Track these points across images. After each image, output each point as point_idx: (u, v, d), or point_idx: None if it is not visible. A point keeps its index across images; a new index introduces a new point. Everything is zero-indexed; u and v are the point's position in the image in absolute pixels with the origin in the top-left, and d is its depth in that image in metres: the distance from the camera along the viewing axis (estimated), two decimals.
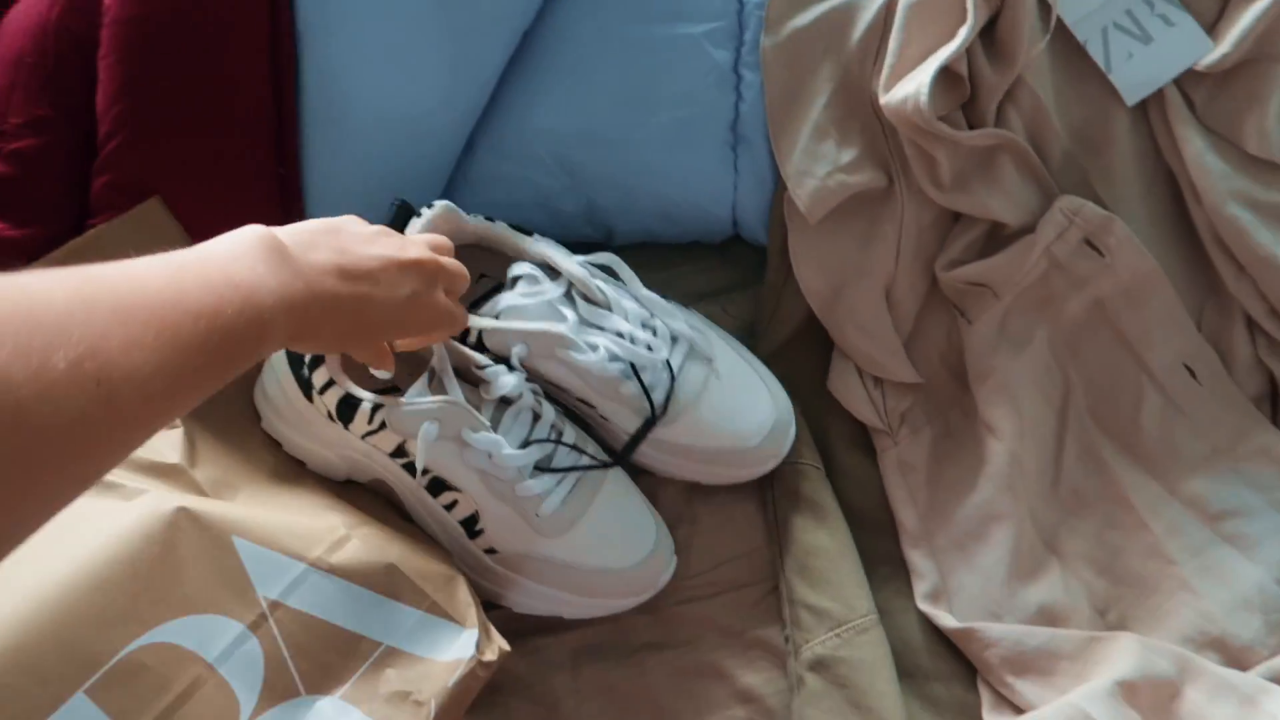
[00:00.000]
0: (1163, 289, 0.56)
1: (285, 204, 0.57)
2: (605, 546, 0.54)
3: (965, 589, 0.55)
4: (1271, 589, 0.52)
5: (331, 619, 0.42)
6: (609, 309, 0.55)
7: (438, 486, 0.51)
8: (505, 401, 0.53)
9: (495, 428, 0.52)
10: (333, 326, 0.40)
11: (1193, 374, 0.57)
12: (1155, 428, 0.57)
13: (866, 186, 0.57)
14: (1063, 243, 0.56)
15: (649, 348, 0.55)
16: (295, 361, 0.52)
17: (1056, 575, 0.55)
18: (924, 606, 0.55)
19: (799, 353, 0.62)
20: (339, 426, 0.51)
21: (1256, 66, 0.53)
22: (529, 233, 0.57)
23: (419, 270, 0.45)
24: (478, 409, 0.51)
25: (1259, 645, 0.51)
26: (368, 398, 0.50)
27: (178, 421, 0.49)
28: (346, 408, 0.50)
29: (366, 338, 0.44)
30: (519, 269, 0.54)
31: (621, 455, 0.56)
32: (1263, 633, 0.52)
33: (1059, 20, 0.55)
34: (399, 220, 0.53)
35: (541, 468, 0.52)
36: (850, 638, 0.53)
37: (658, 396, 0.54)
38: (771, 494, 0.58)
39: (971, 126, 0.56)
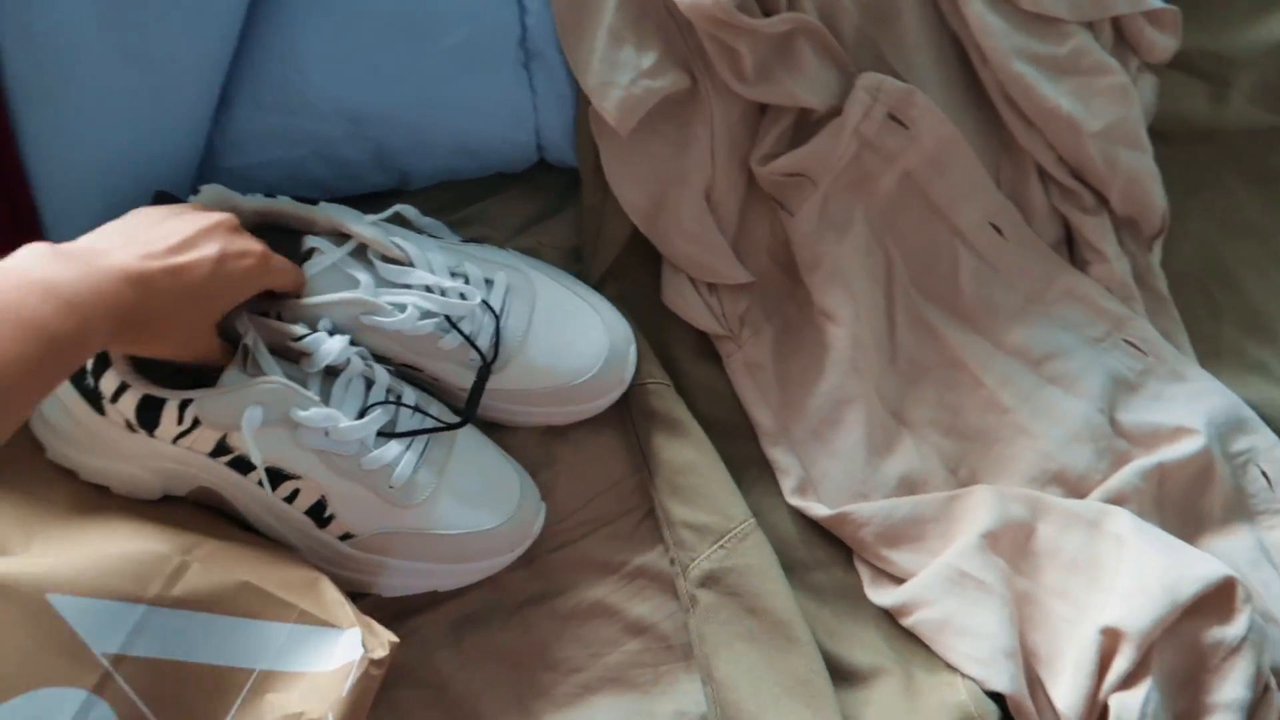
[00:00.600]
0: (964, 152, 0.58)
1: (7, 190, 0.49)
2: (469, 508, 0.51)
3: (829, 476, 0.56)
4: (1096, 419, 0.56)
5: (189, 658, 0.36)
6: (411, 264, 0.51)
7: (275, 478, 0.47)
8: (332, 372, 0.49)
9: (326, 401, 0.48)
10: (159, 307, 0.39)
11: (999, 230, 0.59)
12: (973, 287, 0.59)
13: (673, 89, 0.55)
14: (869, 121, 0.56)
15: (462, 296, 0.52)
16: (75, 373, 0.45)
17: (909, 445, 0.57)
18: (794, 501, 0.56)
19: (630, 272, 0.60)
20: (142, 435, 0.45)
21: None
22: (314, 202, 0.52)
23: (219, 228, 0.44)
24: (303, 385, 0.47)
25: (1094, 472, 0.55)
26: (172, 395, 0.44)
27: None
28: (148, 411, 0.44)
29: (199, 315, 0.43)
30: (308, 243, 0.51)
31: (466, 412, 0.52)
32: (1095, 460, 0.56)
33: None
34: None
35: (386, 433, 0.49)
36: (734, 546, 0.52)
37: (483, 343, 0.52)
38: (630, 421, 0.57)
39: (766, 14, 0.54)
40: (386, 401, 0.49)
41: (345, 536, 0.49)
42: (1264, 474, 0.56)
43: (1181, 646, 0.48)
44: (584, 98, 0.56)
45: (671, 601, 0.53)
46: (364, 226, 0.51)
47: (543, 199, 0.62)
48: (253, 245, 0.45)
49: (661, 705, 0.50)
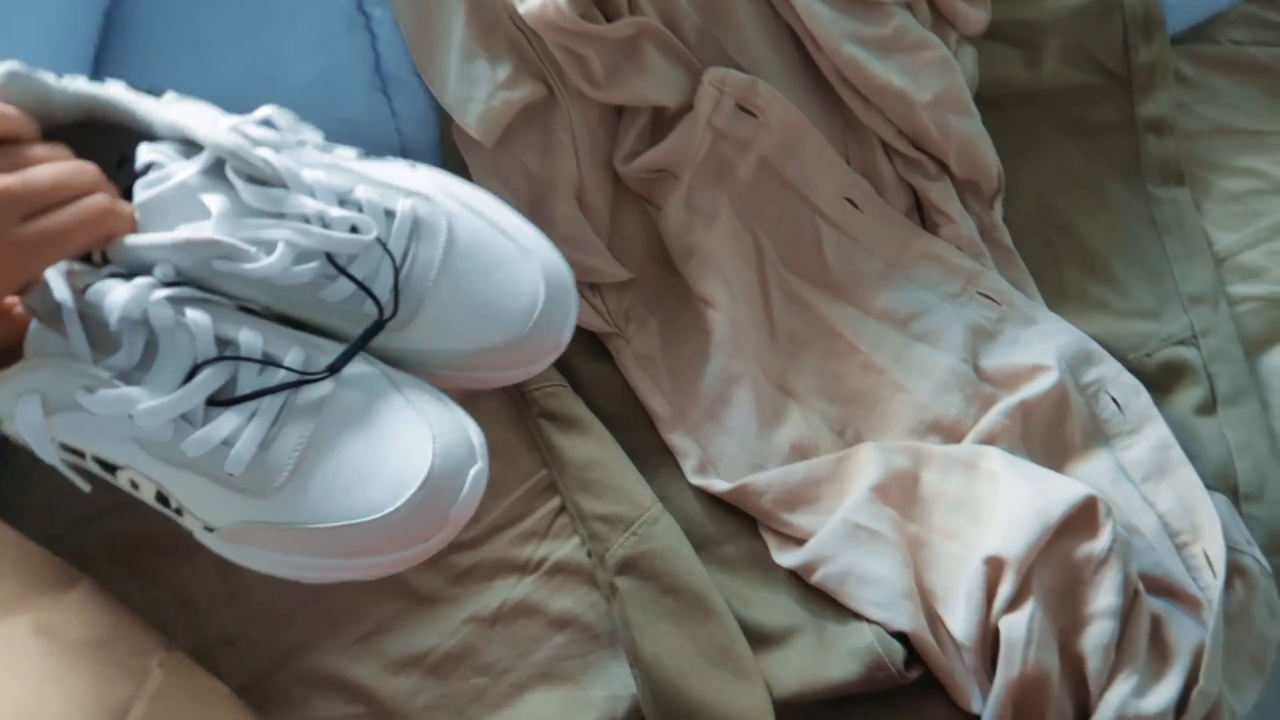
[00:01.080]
0: (811, 134, 0.61)
1: None
2: (351, 490, 0.39)
3: (726, 453, 0.59)
4: (961, 368, 0.61)
5: None
6: (284, 186, 0.40)
7: (106, 468, 0.39)
8: (146, 329, 0.37)
9: (149, 365, 0.37)
10: None
11: (854, 204, 0.63)
12: (837, 259, 0.63)
13: (531, 98, 0.57)
14: (720, 112, 0.59)
15: (354, 228, 0.40)
16: None
17: (797, 414, 0.60)
18: (695, 480, 0.58)
19: None
20: None
21: None
22: (159, 93, 0.41)
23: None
24: (114, 351, 0.37)
25: (965, 417, 0.60)
26: None
27: None
28: None
29: None
30: (144, 154, 0.39)
31: (333, 365, 0.40)
32: (964, 406, 0.60)
33: None
34: None
35: (219, 402, 0.38)
36: (645, 531, 0.54)
37: (381, 290, 0.40)
38: (530, 421, 0.58)
39: (608, 20, 0.57)
40: (221, 358, 0.37)
41: (209, 529, 0.40)
42: (1114, 400, 0.61)
43: (1057, 565, 0.52)
44: (445, 115, 0.57)
45: (592, 592, 0.54)
46: (222, 133, 0.39)
47: None
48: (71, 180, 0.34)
49: (594, 692, 0.52)
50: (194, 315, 0.37)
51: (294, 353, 0.39)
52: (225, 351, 0.37)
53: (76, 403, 0.36)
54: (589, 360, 0.61)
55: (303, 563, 0.40)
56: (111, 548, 0.54)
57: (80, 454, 0.38)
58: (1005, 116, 0.66)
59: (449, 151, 0.59)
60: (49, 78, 0.39)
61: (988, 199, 0.66)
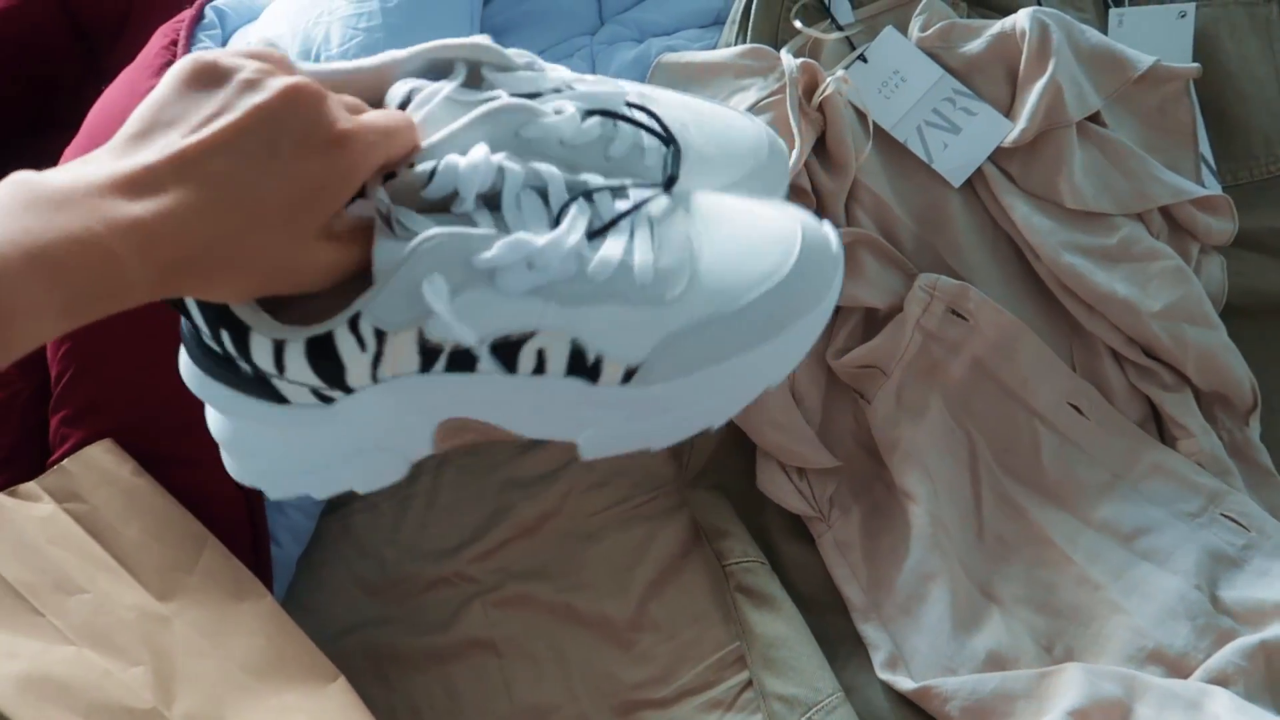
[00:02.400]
0: (1027, 338, 0.61)
1: None
2: (747, 262, 0.38)
3: (918, 651, 0.58)
4: (1192, 595, 0.56)
5: None
6: (539, 68, 0.40)
7: (508, 353, 0.36)
8: (491, 204, 0.36)
9: (509, 233, 0.36)
10: (193, 252, 0.31)
11: (1078, 410, 0.62)
12: (1056, 465, 0.61)
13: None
14: (929, 315, 0.61)
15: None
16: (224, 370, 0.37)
17: (998, 621, 0.58)
18: (883, 675, 0.58)
19: (728, 459, 0.67)
20: (341, 400, 0.36)
21: (1053, 135, 0.61)
22: None
23: (285, 102, 0.32)
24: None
25: (1193, 650, 0.54)
26: (331, 321, 0.35)
27: (139, 658, 0.49)
28: (324, 358, 0.35)
29: (287, 231, 0.32)
30: (397, 90, 0.38)
31: (671, 177, 0.39)
32: (1193, 638, 0.55)
33: (878, 125, 0.62)
34: None
35: (597, 232, 0.37)
36: (821, 718, 0.55)
37: (652, 162, 0.40)
38: (727, 594, 0.62)
39: None
40: (575, 198, 0.37)
41: (628, 377, 0.38)
42: None
43: None
44: None
45: None
46: (465, 43, 0.38)
47: None
48: (330, 112, 0.33)
49: None
50: (538, 166, 0.37)
51: (627, 178, 0.39)
52: (575, 191, 0.37)
53: (472, 273, 0.35)
54: (790, 541, 0.64)
55: (739, 364, 0.38)
56: (369, 655, 0.64)
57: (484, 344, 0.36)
58: (1261, 328, 0.62)
59: None
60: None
61: (1242, 414, 0.61)
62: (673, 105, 0.44)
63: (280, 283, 0.34)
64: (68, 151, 0.65)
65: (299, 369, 0.36)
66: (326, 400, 0.37)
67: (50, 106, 0.83)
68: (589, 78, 0.41)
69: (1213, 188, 0.63)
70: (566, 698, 0.61)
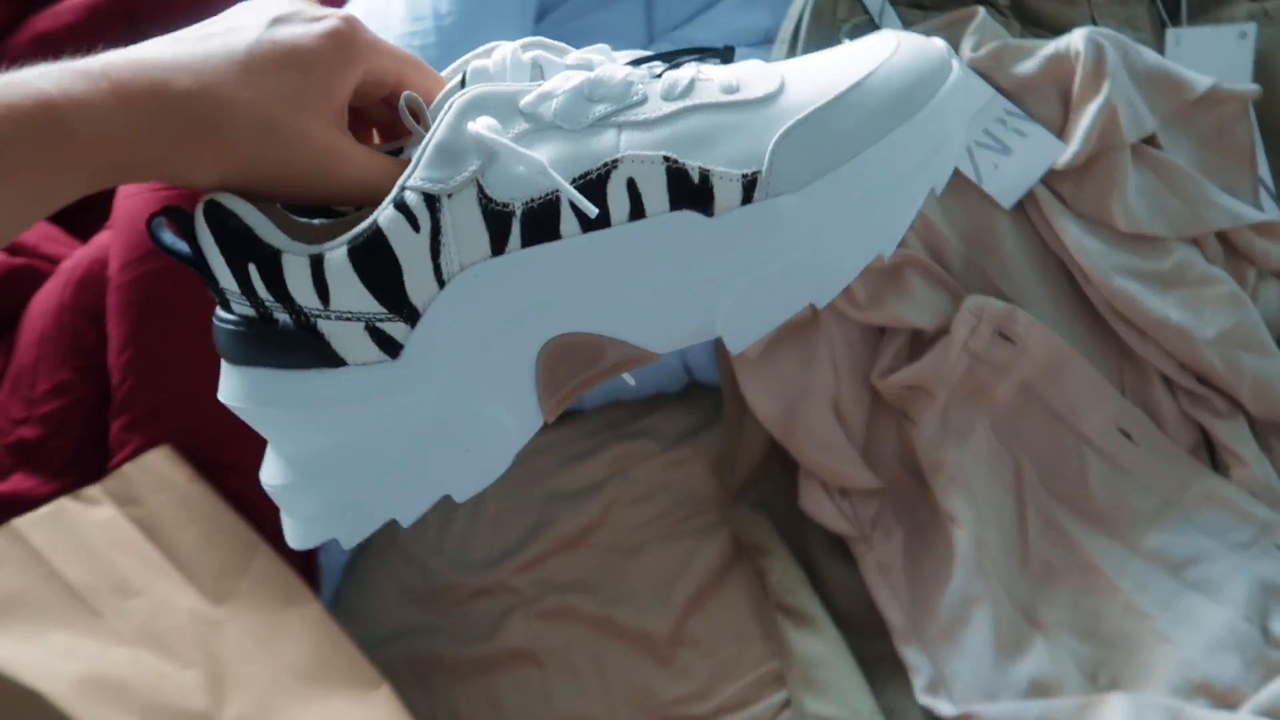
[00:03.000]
0: (1077, 362, 0.61)
1: None
2: (847, 59, 0.33)
3: (959, 675, 0.58)
4: (1242, 627, 0.55)
5: None
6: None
7: (593, 197, 0.30)
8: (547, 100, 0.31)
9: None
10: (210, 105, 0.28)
11: (1127, 435, 0.61)
12: (1104, 491, 0.60)
13: (795, 317, 0.63)
14: (977, 338, 0.61)
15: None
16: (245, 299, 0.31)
17: (1041, 647, 0.57)
18: (924, 699, 0.58)
19: (770, 478, 0.67)
20: (405, 340, 0.31)
21: (1106, 157, 0.60)
22: None
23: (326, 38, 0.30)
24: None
25: (1242, 684, 0.53)
26: (374, 211, 0.30)
27: (193, 660, 0.50)
28: (371, 254, 0.30)
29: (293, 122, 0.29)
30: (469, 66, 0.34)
31: (729, 47, 0.34)
32: (1243, 671, 0.53)
33: None
34: None
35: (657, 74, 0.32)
36: None
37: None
38: (768, 611, 0.62)
39: None
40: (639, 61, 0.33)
41: (749, 192, 0.31)
42: None
43: None
44: None
45: None
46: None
47: (698, 413, 0.71)
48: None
49: None
50: (587, 55, 0.33)
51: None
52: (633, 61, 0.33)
53: (523, 117, 0.31)
54: (832, 561, 0.64)
55: (882, 156, 0.32)
56: (412, 663, 0.65)
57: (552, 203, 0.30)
58: None
59: (721, 357, 0.67)
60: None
61: None
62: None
63: (284, 157, 0.30)
64: None
65: (347, 288, 0.30)
66: (391, 348, 0.31)
67: None
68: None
69: (1271, 211, 0.62)
70: (605, 711, 0.61)
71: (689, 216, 0.31)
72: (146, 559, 0.55)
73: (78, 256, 0.67)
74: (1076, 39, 0.60)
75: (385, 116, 0.35)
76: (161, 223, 0.31)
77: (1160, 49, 0.64)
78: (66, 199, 0.29)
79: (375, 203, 0.31)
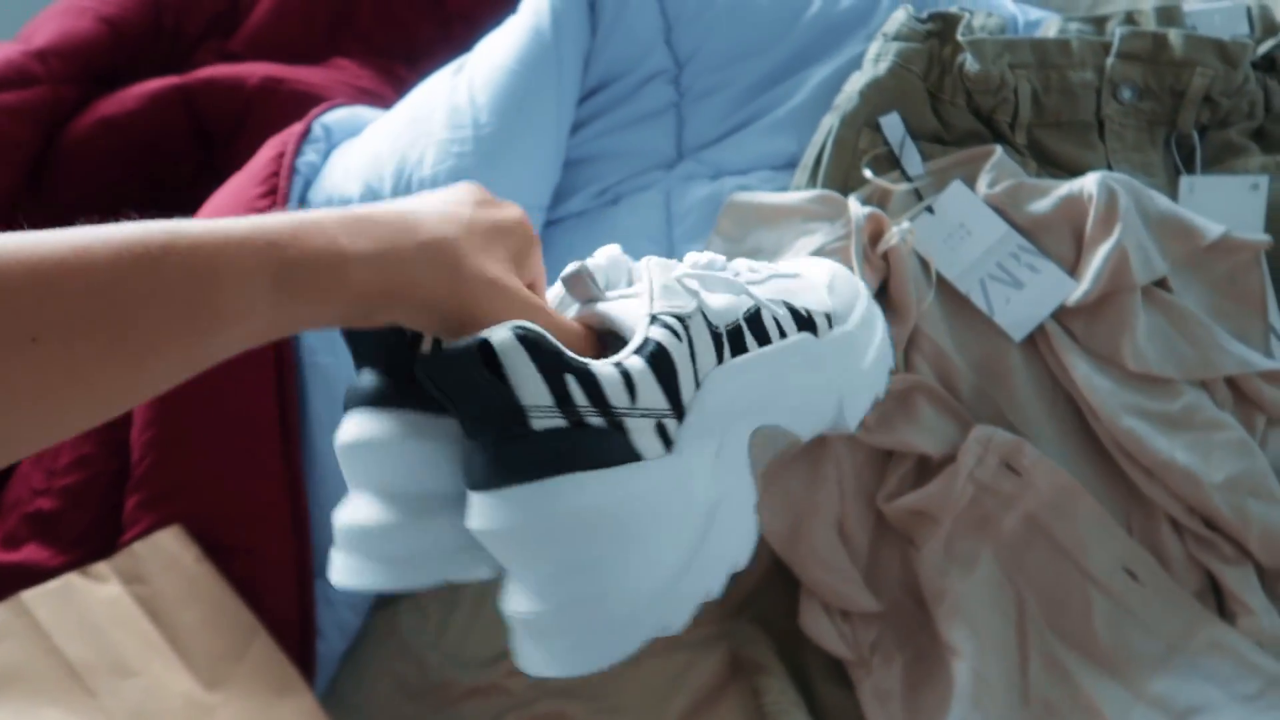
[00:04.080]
0: (1084, 499, 0.61)
1: (293, 499, 0.65)
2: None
3: None
4: None
5: None
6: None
7: (758, 328, 0.44)
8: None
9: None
10: (412, 277, 0.35)
11: (1133, 576, 0.60)
12: (1108, 631, 0.59)
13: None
14: (983, 468, 0.61)
15: None
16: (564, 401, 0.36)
17: None
18: None
19: (770, 595, 0.67)
20: (676, 434, 0.39)
21: (1118, 297, 0.61)
22: None
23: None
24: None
25: None
26: (643, 334, 0.39)
27: None
28: (661, 364, 0.39)
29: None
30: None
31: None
32: None
33: (941, 275, 0.64)
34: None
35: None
36: None
37: None
38: None
39: None
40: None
41: (830, 322, 0.48)
42: None
43: None
44: None
45: None
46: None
47: None
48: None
49: None
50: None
51: None
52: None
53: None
54: (829, 684, 0.63)
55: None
56: None
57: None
58: None
59: None
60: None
61: None
62: None
63: (491, 314, 0.37)
64: None
65: (648, 389, 0.37)
66: (668, 443, 0.38)
67: (164, 203, 0.89)
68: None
69: None
70: None
71: (809, 338, 0.46)
72: (147, 639, 0.56)
73: None
74: (1090, 182, 0.62)
75: None
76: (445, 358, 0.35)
77: (1174, 196, 0.66)
78: (325, 312, 0.34)
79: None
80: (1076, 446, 0.63)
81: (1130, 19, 0.70)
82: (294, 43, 0.99)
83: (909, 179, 0.66)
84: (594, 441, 0.36)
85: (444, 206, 0.38)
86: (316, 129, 0.75)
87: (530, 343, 0.35)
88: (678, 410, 0.39)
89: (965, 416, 0.63)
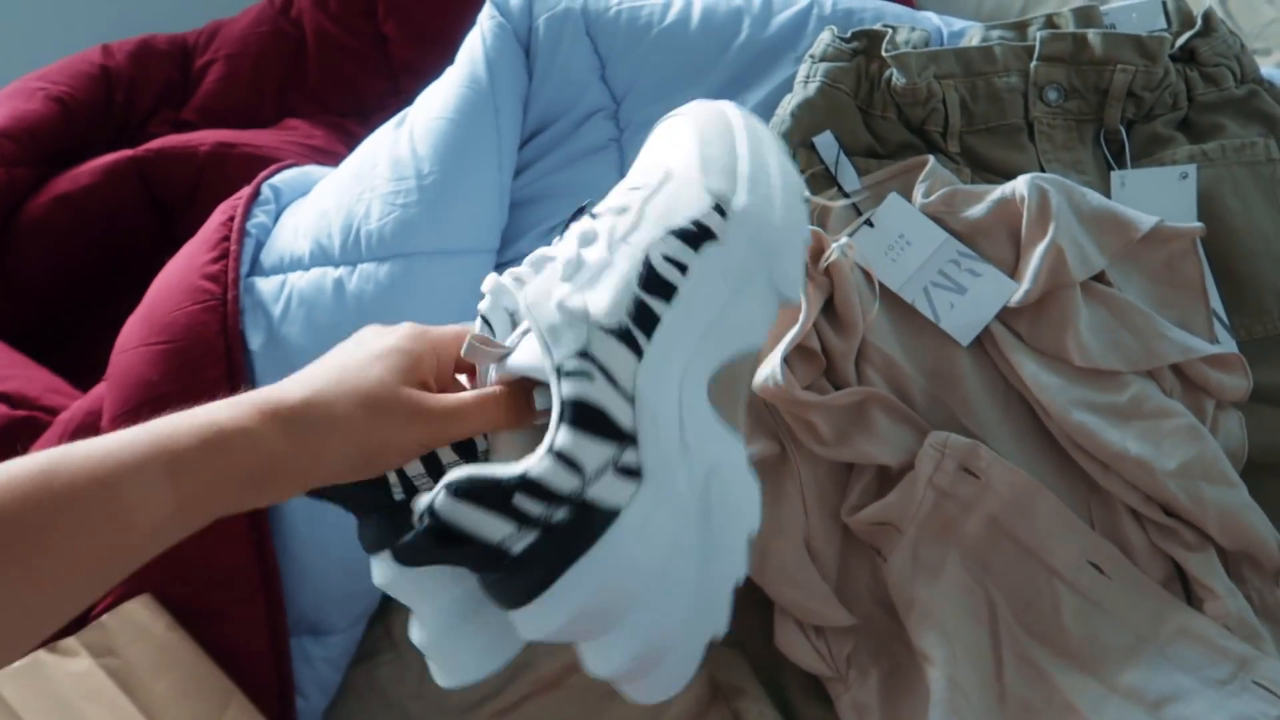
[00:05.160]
0: (1044, 497, 0.61)
1: (261, 559, 0.65)
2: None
3: None
4: None
5: None
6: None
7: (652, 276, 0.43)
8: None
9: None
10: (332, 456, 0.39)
11: (1099, 569, 0.61)
12: (1078, 626, 0.60)
13: (762, 455, 0.64)
14: (941, 473, 0.62)
15: None
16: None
17: None
18: None
19: (746, 617, 0.66)
20: (647, 471, 0.40)
21: (1058, 295, 0.62)
22: None
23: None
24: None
25: None
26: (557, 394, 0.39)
27: None
28: (591, 420, 0.39)
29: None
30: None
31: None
32: None
33: (885, 286, 0.64)
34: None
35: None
36: None
37: None
38: None
39: (836, 388, 0.64)
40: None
41: (719, 208, 0.45)
42: None
43: None
44: None
45: None
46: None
47: None
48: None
49: None
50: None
51: None
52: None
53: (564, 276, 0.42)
54: (808, 702, 0.63)
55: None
56: None
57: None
58: None
59: None
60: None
61: (1270, 574, 0.59)
62: None
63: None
64: (129, 320, 0.70)
65: (588, 451, 0.38)
66: (636, 475, 0.39)
67: (125, 272, 0.90)
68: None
69: (1226, 343, 0.63)
70: None
71: (709, 250, 0.44)
72: (120, 712, 0.56)
73: (74, 408, 0.70)
74: (1021, 184, 0.63)
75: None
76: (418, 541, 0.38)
77: (1107, 191, 0.67)
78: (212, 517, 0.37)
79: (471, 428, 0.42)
80: (1032, 445, 0.63)
81: (1050, 22, 0.71)
82: (245, 107, 1.01)
83: (846, 195, 0.67)
84: (570, 533, 0.38)
85: (335, 373, 0.40)
86: (265, 191, 0.76)
87: (466, 492, 0.37)
88: (626, 440, 0.39)
89: (921, 424, 0.64)
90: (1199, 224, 0.64)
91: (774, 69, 0.73)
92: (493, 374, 0.44)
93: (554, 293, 0.42)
